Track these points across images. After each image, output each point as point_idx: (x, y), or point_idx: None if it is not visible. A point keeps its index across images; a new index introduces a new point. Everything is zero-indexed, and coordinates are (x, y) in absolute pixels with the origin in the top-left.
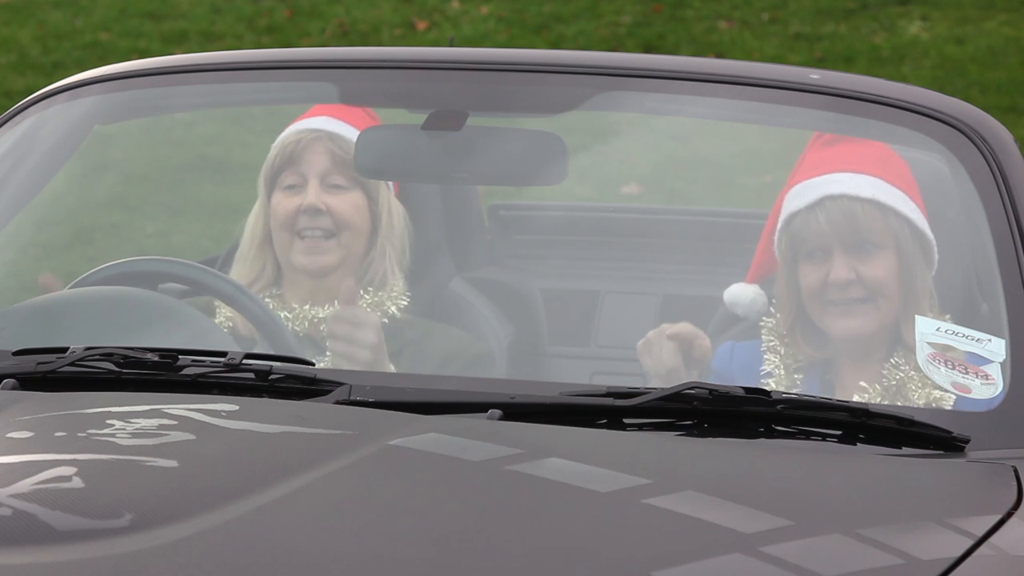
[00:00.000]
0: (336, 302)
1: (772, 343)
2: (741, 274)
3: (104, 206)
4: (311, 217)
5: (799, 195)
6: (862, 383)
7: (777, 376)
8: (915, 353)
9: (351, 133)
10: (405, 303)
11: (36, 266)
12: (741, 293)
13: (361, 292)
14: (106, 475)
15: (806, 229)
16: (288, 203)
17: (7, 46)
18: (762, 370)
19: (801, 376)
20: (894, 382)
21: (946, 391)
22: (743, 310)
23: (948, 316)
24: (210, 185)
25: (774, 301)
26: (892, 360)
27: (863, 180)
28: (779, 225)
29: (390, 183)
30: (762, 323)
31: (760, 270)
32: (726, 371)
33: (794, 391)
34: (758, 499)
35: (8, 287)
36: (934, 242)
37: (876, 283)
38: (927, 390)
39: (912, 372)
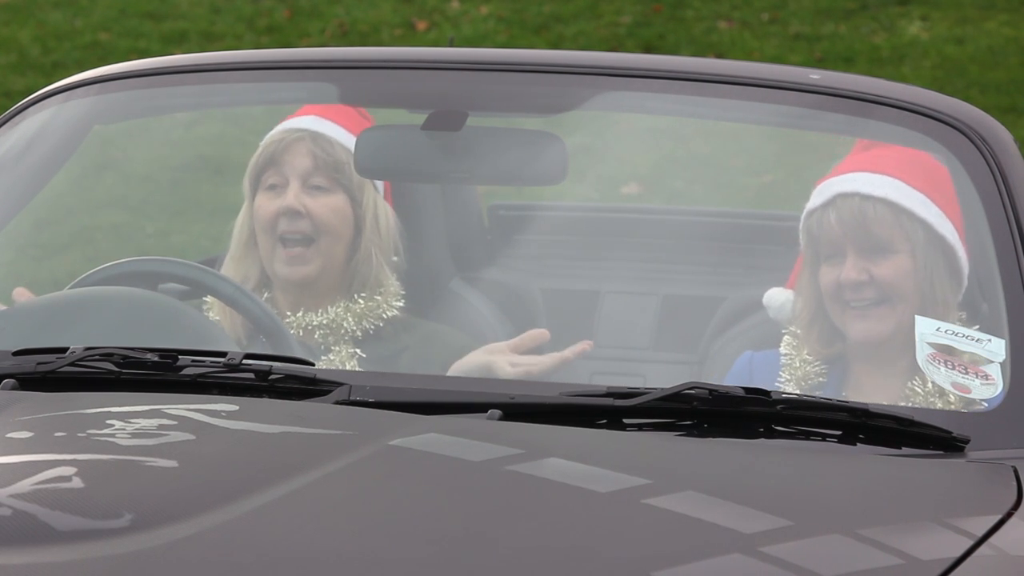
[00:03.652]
0: (328, 308)
1: (790, 356)
2: (741, 274)
3: (104, 206)
4: (290, 220)
5: (819, 193)
6: (884, 401)
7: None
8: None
9: (338, 133)
10: (400, 304)
11: (36, 266)
12: (776, 296)
13: (355, 296)
14: (106, 475)
15: (820, 227)
16: (269, 205)
17: (7, 46)
18: (779, 381)
19: (822, 382)
20: (916, 401)
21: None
22: (774, 313)
23: (977, 326)
24: (210, 185)
25: (798, 300)
26: (916, 378)
27: (879, 180)
28: (800, 224)
29: (379, 185)
30: (785, 330)
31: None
32: (746, 382)
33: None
34: (758, 499)
35: (8, 287)
36: (960, 248)
37: (889, 285)
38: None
39: (934, 397)
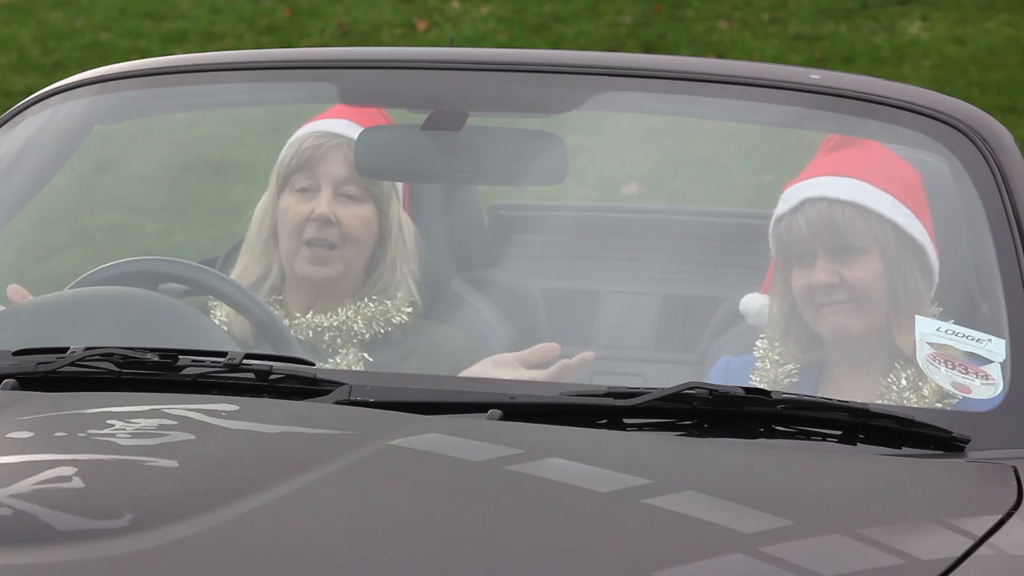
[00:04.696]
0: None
1: (764, 353)
2: (742, 274)
3: (104, 206)
4: (320, 227)
5: (786, 199)
6: (858, 397)
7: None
8: (914, 358)
9: None
10: (409, 311)
11: (36, 266)
12: (752, 303)
13: (366, 300)
14: (106, 475)
15: (789, 233)
16: (299, 208)
17: (7, 46)
18: (753, 383)
19: (795, 383)
20: (891, 398)
21: (945, 401)
22: (752, 320)
23: (952, 320)
24: (210, 185)
25: (772, 305)
26: (890, 376)
27: (845, 183)
28: (769, 230)
29: (400, 196)
30: (761, 336)
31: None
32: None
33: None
34: (758, 499)
35: (8, 287)
36: (929, 247)
37: (860, 286)
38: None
39: (909, 392)
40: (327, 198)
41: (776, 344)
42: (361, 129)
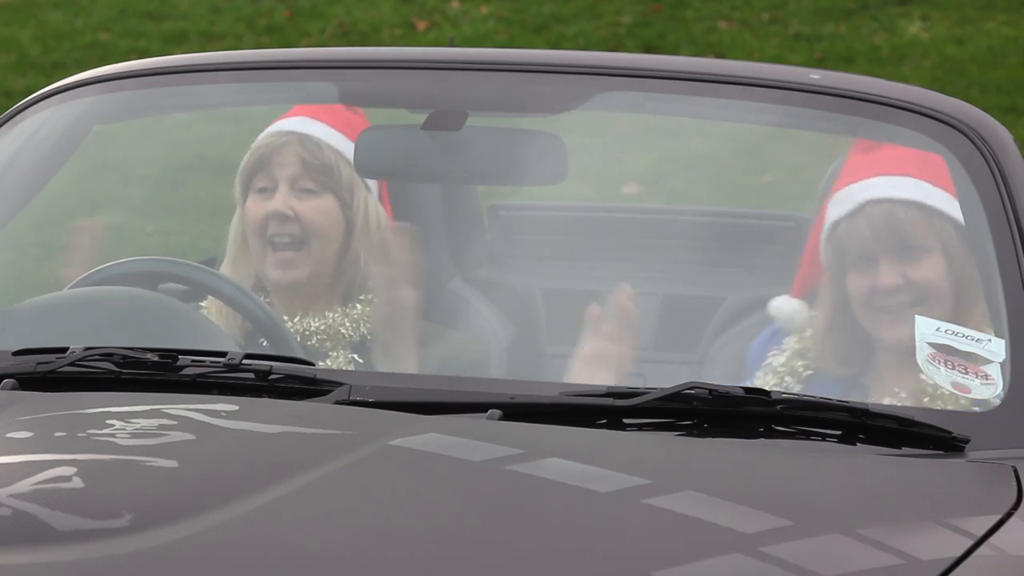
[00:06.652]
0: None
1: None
2: (742, 274)
3: (104, 206)
4: (279, 223)
5: (839, 202)
6: (895, 389)
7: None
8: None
9: (327, 134)
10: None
11: (36, 266)
12: (783, 306)
13: (352, 302)
14: (106, 475)
15: (849, 237)
16: (259, 208)
17: (7, 46)
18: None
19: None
20: (938, 404)
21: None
22: (784, 323)
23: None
24: (210, 185)
25: (813, 312)
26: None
27: (902, 182)
28: (823, 234)
29: (372, 185)
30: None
31: (805, 283)
32: (761, 350)
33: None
34: (758, 499)
35: (8, 287)
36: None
37: (926, 286)
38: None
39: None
40: (283, 194)
41: (808, 352)
42: (318, 125)
